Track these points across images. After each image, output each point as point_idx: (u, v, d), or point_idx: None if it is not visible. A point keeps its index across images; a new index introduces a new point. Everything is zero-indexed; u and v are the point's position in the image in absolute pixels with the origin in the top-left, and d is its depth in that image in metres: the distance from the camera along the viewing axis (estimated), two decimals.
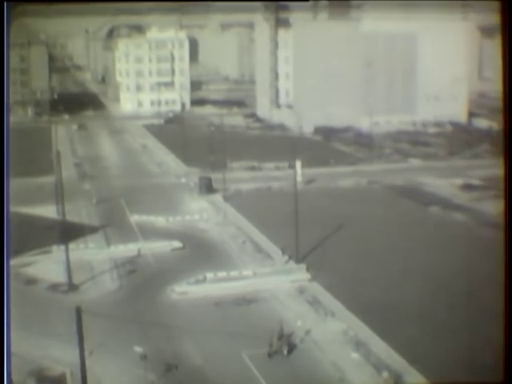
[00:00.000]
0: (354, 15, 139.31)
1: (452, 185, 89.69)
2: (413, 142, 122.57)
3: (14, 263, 50.02)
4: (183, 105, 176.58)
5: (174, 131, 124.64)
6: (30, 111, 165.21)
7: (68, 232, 60.38)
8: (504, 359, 31.60)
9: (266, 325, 46.87)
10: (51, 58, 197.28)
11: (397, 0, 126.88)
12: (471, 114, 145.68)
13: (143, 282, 57.11)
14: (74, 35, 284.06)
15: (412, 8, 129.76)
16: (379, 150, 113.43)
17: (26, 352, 42.39)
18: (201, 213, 77.30)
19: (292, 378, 41.17)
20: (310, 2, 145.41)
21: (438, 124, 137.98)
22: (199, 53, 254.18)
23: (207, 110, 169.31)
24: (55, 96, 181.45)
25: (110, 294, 54.99)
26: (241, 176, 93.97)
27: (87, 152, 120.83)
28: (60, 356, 42.92)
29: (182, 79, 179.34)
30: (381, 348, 44.03)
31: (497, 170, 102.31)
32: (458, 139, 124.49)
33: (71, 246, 60.11)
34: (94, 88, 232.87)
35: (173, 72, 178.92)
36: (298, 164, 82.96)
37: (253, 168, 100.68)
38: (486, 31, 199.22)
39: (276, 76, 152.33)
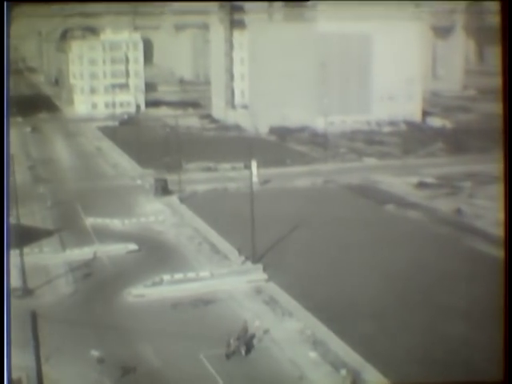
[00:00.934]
0: (309, 16, 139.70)
1: (407, 183, 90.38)
2: (368, 141, 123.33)
3: None
4: (138, 106, 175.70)
5: (128, 133, 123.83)
6: None
7: (22, 236, 59.62)
8: (504, 359, 31.91)
9: (224, 325, 46.88)
10: None
11: (350, 0, 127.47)
12: (425, 113, 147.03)
13: (99, 286, 56.68)
14: (27, 37, 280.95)
15: (366, 8, 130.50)
16: (334, 150, 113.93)
17: None
18: (156, 215, 76.96)
19: (250, 377, 41.15)
20: (264, 3, 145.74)
21: (392, 123, 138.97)
22: (154, 54, 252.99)
23: (162, 112, 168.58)
24: None
25: (65, 298, 54.46)
26: (196, 177, 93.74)
27: (41, 155, 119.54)
28: (16, 361, 42.35)
29: (137, 81, 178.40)
30: (338, 346, 44.24)
31: (450, 167, 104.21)
32: (412, 138, 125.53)
33: (26, 250, 59.41)
34: (47, 90, 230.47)
35: (127, 74, 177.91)
36: (254, 164, 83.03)
37: (208, 169, 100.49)
38: (438, 31, 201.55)
39: (231, 77, 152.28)
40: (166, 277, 56.34)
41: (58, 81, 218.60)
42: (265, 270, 57.96)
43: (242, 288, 55.12)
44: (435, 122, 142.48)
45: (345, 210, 77.93)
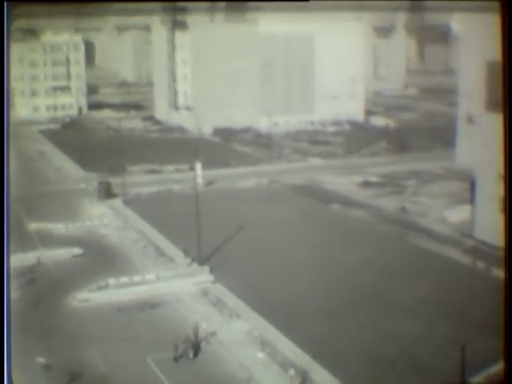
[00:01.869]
0: (251, 17, 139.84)
1: (351, 182, 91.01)
2: (312, 141, 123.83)
3: None
4: (80, 109, 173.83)
5: (71, 136, 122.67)
6: None
7: None
8: (504, 359, 32.20)
9: (171, 328, 46.61)
10: None
11: (292, 1, 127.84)
12: (368, 113, 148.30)
13: (44, 291, 55.86)
14: None
15: (308, 9, 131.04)
16: (279, 150, 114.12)
17: None
18: (101, 218, 76.24)
19: (199, 380, 40.98)
20: (207, 4, 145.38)
21: (336, 123, 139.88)
22: (95, 56, 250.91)
23: (105, 114, 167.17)
24: None
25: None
26: (141, 179, 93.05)
27: None
28: None
29: (79, 83, 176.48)
30: (286, 346, 44.27)
31: (394, 166, 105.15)
32: (355, 137, 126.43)
33: None
34: None
35: (68, 76, 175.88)
36: (198, 166, 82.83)
37: (153, 171, 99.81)
38: (380, 31, 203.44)
39: (174, 78, 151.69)
40: (112, 281, 55.80)
41: None
42: (211, 271, 57.78)
43: (189, 290, 54.89)
44: (378, 121, 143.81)
45: (290, 211, 78.10)
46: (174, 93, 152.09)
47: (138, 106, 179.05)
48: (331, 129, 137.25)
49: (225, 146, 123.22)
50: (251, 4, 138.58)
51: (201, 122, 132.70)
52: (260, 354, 43.74)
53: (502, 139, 33.35)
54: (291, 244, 65.72)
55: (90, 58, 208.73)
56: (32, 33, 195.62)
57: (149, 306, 51.98)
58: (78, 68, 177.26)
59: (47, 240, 68.63)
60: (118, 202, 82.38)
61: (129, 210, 78.90)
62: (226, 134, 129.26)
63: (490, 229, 63.84)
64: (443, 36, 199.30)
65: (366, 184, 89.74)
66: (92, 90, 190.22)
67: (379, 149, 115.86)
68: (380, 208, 78.50)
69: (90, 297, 53.72)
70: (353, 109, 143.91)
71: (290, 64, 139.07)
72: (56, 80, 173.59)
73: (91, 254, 64.45)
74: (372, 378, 40.36)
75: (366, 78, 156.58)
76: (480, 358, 39.94)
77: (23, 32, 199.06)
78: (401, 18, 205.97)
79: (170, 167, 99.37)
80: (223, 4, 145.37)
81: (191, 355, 43.34)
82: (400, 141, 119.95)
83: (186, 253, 61.57)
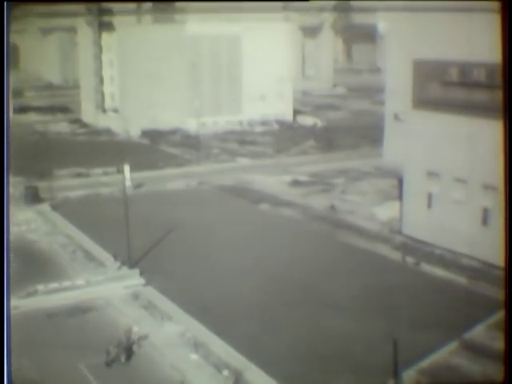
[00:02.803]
0: (178, 18, 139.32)
1: (280, 182, 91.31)
2: (240, 141, 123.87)
3: None
4: None
5: None
6: None
7: None
8: (504, 359, 32.36)
9: (103, 333, 46.09)
10: None
11: (218, 1, 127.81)
12: (296, 112, 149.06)
13: None
14: None
15: (235, 9, 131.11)
16: (207, 151, 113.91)
17: None
18: (28, 223, 74.91)
19: None
20: (133, 5, 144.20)
21: (264, 123, 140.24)
22: (20, 59, 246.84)
23: (30, 118, 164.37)
24: None
25: None
26: (68, 183, 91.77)
27: None
28: None
29: None
30: (220, 347, 44.15)
31: (322, 165, 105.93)
32: (284, 137, 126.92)
33: None
34: None
35: None
36: (127, 168, 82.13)
37: (80, 175, 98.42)
38: (307, 30, 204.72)
39: (101, 80, 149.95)
40: (40, 287, 54.86)
41: None
42: (142, 274, 57.29)
43: (120, 294, 54.32)
44: (306, 120, 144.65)
45: (220, 211, 78.00)
46: (101, 95, 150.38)
47: (64, 109, 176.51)
48: (259, 129, 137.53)
49: (153, 147, 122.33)
50: (178, 5, 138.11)
51: (128, 124, 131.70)
52: (193, 356, 43.54)
53: (502, 145, 33.64)
54: (222, 245, 65.58)
55: (14, 61, 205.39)
56: None
57: (79, 311, 51.28)
58: None
59: None
60: (45, 207, 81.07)
61: (57, 214, 77.72)
62: (154, 136, 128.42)
63: (418, 225, 64.91)
64: (370, 35, 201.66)
65: (295, 183, 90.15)
66: (17, 93, 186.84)
67: (308, 148, 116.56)
68: (309, 207, 78.93)
69: (18, 304, 52.62)
70: (281, 108, 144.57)
71: (217, 64, 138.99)
72: None
73: (19, 259, 63.11)
74: (307, 375, 40.53)
75: (294, 77, 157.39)
76: (411, 352, 40.44)
77: None
78: (327, 17, 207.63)
79: (98, 170, 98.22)
80: (150, 5, 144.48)
81: (123, 359, 42.89)
82: (328, 140, 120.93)
83: (115, 256, 60.91)
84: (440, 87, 60.49)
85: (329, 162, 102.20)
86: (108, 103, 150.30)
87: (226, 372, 40.94)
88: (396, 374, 37.66)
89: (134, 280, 56.51)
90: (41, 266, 61.52)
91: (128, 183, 79.05)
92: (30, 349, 44.61)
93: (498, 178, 56.69)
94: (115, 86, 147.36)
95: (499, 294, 52.65)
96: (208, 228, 71.09)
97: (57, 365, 42.69)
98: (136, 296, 53.90)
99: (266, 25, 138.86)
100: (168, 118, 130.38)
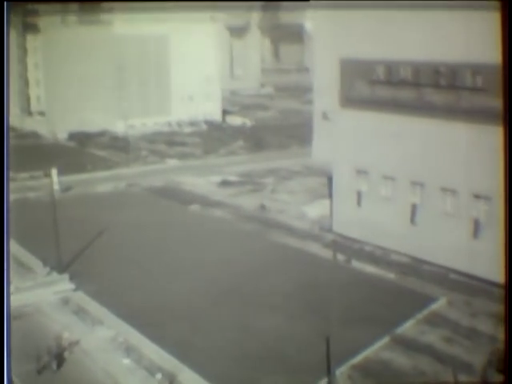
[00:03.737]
0: (105, 19, 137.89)
1: (210, 182, 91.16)
2: (169, 142, 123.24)
3: None
4: None
5: None
6: None
7: None
8: (504, 359, 32.41)
9: (33, 340, 45.24)
10: None
11: (146, 1, 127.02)
12: (225, 112, 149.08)
13: None
14: None
15: (162, 10, 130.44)
16: (136, 153, 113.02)
17: None
18: None
19: None
20: (58, 6, 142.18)
21: (193, 123, 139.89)
22: None
23: None
24: None
25: None
26: None
27: None
28: None
29: None
30: (152, 350, 43.82)
31: (252, 165, 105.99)
32: (213, 137, 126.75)
33: None
34: None
35: None
36: (54, 172, 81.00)
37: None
38: (234, 30, 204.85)
39: (26, 83, 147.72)
40: None
41: None
42: (72, 279, 56.50)
43: (49, 300, 53.50)
44: (235, 120, 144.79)
45: (150, 213, 77.46)
46: (27, 98, 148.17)
47: None
48: (188, 129, 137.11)
49: (81, 150, 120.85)
50: (104, 5, 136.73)
51: (55, 126, 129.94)
52: (125, 361, 43.14)
53: (502, 148, 33.88)
54: (152, 247, 65.11)
55: None
56: None
57: None
58: None
59: None
60: None
61: None
62: (82, 139, 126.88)
63: (348, 222, 65.48)
64: (297, 35, 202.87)
65: (225, 183, 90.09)
66: None
67: (237, 148, 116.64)
68: (240, 206, 78.95)
69: None
70: (209, 109, 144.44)
71: (145, 65, 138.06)
72: None
73: None
74: (240, 376, 40.46)
75: (222, 77, 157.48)
76: (344, 349, 40.73)
77: None
78: (255, 17, 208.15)
79: (25, 174, 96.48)
80: (76, 6, 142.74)
81: (55, 366, 42.24)
82: (257, 139, 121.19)
83: (45, 262, 59.92)
84: (367, 86, 61.08)
85: (258, 162, 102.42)
86: (34, 106, 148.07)
87: (159, 375, 40.68)
88: (329, 371, 37.85)
89: (63, 285, 55.70)
90: None
91: (56, 187, 77.94)
92: None
93: (425, 174, 57.64)
94: (41, 88, 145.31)
95: (427, 288, 53.61)
96: (138, 230, 70.52)
97: None
98: (66, 301, 53.16)
99: (193, 25, 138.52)
100: (96, 120, 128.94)
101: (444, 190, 55.78)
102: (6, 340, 31.63)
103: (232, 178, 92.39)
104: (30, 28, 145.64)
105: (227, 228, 71.50)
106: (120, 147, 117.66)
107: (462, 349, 43.12)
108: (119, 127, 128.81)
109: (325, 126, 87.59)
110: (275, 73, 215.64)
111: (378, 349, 43.22)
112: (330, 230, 67.29)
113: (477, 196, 53.25)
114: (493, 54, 50.54)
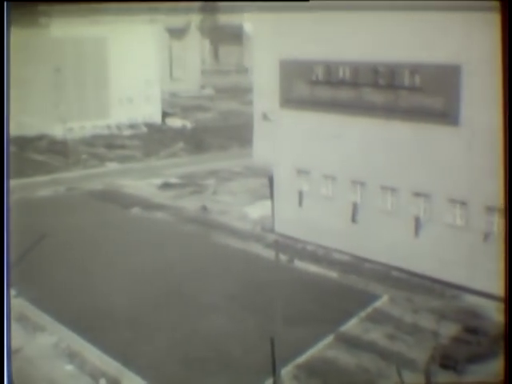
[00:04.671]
0: (41, 22, 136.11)
1: (151, 185, 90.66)
2: (109, 145, 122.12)
3: None
4: None
5: None
6: None
7: None
8: (504, 359, 32.38)
9: None
10: None
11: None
12: (165, 114, 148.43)
13: None
14: None
15: (100, 12, 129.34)
16: (75, 156, 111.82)
17: None
18: None
19: None
20: None
21: (132, 126, 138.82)
22: None
23: None
24: None
25: None
26: None
27: None
28: None
29: None
30: (95, 356, 43.40)
31: (193, 166, 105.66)
32: (153, 140, 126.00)
33: None
34: None
35: None
36: None
37: None
38: (173, 32, 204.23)
39: None
40: None
41: None
42: (12, 285, 55.58)
43: None
44: (175, 122, 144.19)
45: (91, 217, 76.64)
46: None
47: None
48: (128, 132, 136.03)
49: (19, 155, 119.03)
50: (41, 8, 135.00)
51: None
52: (68, 367, 42.67)
53: (502, 146, 34.03)
54: (93, 251, 64.45)
55: None
56: None
57: None
58: None
59: None
60: None
61: None
62: (20, 143, 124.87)
63: (290, 222, 65.76)
64: (236, 36, 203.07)
65: (166, 185, 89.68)
66: None
67: (177, 150, 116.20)
68: (181, 208, 78.68)
69: None
70: (149, 111, 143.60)
71: (83, 68, 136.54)
72: None
73: None
74: (184, 378, 40.33)
75: (162, 79, 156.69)
76: (289, 349, 40.86)
77: None
78: (194, 18, 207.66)
79: None
80: (12, 8, 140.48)
81: None
82: (198, 141, 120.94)
83: None
84: (307, 86, 61.42)
85: (199, 164, 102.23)
86: None
87: (102, 381, 40.33)
88: (274, 371, 37.96)
89: None
90: None
91: None
92: None
93: (365, 173, 58.23)
94: None
95: (370, 286, 54.16)
96: (79, 234, 69.78)
97: None
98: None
99: (132, 27, 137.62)
100: (33, 123, 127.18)
101: (384, 188, 56.38)
102: (6, 340, 31.33)
103: (173, 180, 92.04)
104: None
105: (169, 230, 71.21)
106: (59, 151, 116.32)
107: (405, 345, 43.60)
108: (57, 131, 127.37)
109: (265, 127, 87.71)
110: (215, 74, 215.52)
111: (322, 348, 43.45)
112: (271, 231, 67.48)
113: (417, 194, 53.92)
114: (431, 54, 51.41)
